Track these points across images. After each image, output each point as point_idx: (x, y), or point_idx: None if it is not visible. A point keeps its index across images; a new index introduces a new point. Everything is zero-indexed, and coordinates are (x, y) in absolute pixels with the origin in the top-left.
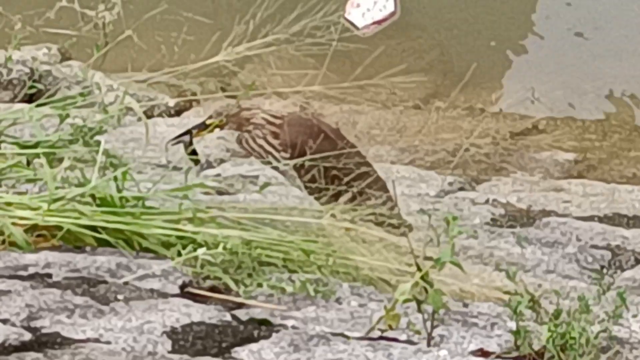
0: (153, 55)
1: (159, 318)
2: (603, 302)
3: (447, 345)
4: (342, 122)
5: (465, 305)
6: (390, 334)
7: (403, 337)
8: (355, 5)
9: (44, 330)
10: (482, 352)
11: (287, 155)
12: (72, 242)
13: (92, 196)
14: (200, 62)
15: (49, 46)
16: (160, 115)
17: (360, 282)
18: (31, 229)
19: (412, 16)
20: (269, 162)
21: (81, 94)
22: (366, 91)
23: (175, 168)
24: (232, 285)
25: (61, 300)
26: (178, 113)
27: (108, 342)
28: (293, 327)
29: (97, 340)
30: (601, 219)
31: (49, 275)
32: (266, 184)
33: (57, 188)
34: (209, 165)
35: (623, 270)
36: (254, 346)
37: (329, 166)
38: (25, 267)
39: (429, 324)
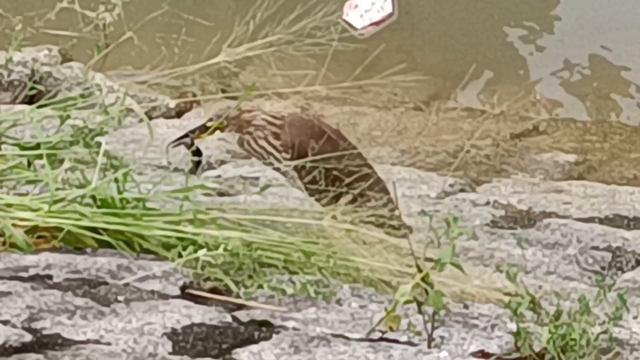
0: (154, 56)
1: (160, 319)
2: (603, 304)
3: (448, 347)
4: (343, 123)
5: (466, 307)
6: (390, 335)
7: (404, 338)
8: (353, 6)
9: (44, 332)
10: (482, 354)
11: (288, 156)
12: (73, 244)
13: (93, 197)
14: (201, 63)
15: (50, 47)
16: (160, 116)
17: (361, 284)
18: (32, 230)
19: (413, 17)
20: (270, 164)
21: (82, 95)
22: (367, 93)
23: (176, 169)
24: (232, 286)
25: (62, 302)
26: (179, 114)
27: (108, 344)
28: (293, 328)
29: (97, 342)
30: (602, 221)
31: (50, 277)
32: (267, 186)
33: (57, 189)
34: (210, 166)
35: (623, 271)
36: (254, 347)
37: (330, 167)
38: (25, 269)
39: (429, 325)
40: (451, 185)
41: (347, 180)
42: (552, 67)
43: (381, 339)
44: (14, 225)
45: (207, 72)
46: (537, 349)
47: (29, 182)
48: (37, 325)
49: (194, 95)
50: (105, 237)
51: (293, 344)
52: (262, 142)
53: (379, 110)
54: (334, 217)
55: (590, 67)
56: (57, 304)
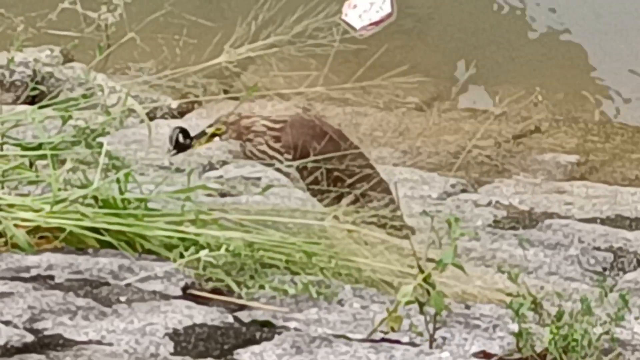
0: (155, 57)
1: (161, 320)
2: (605, 304)
3: (449, 347)
4: (344, 124)
5: (468, 307)
6: (392, 335)
7: (405, 339)
8: (352, 6)
9: (46, 332)
10: (484, 354)
11: (290, 157)
12: (75, 244)
13: (95, 198)
14: (203, 64)
15: (52, 48)
16: (162, 117)
17: (363, 284)
18: (33, 230)
19: (413, 17)
20: (272, 164)
21: (84, 96)
22: (369, 93)
23: (177, 170)
24: (234, 287)
25: (63, 302)
26: (180, 115)
27: (110, 344)
28: (295, 329)
29: (99, 342)
30: (603, 221)
31: (51, 277)
32: (268, 186)
33: (59, 190)
34: (212, 167)
35: (625, 272)
36: (256, 348)
37: (332, 168)
38: (27, 269)
39: (431, 325)
40: (453, 186)
41: (349, 180)
42: (554, 67)
43: (383, 340)
44: (15, 225)
45: (209, 72)
46: (538, 349)
47: (31, 182)
48: (38, 325)
49: (196, 95)
50: (107, 238)
51: (295, 344)
52: (264, 147)
53: (381, 110)
54: (335, 217)
55: (590, 67)
56: (58, 305)
